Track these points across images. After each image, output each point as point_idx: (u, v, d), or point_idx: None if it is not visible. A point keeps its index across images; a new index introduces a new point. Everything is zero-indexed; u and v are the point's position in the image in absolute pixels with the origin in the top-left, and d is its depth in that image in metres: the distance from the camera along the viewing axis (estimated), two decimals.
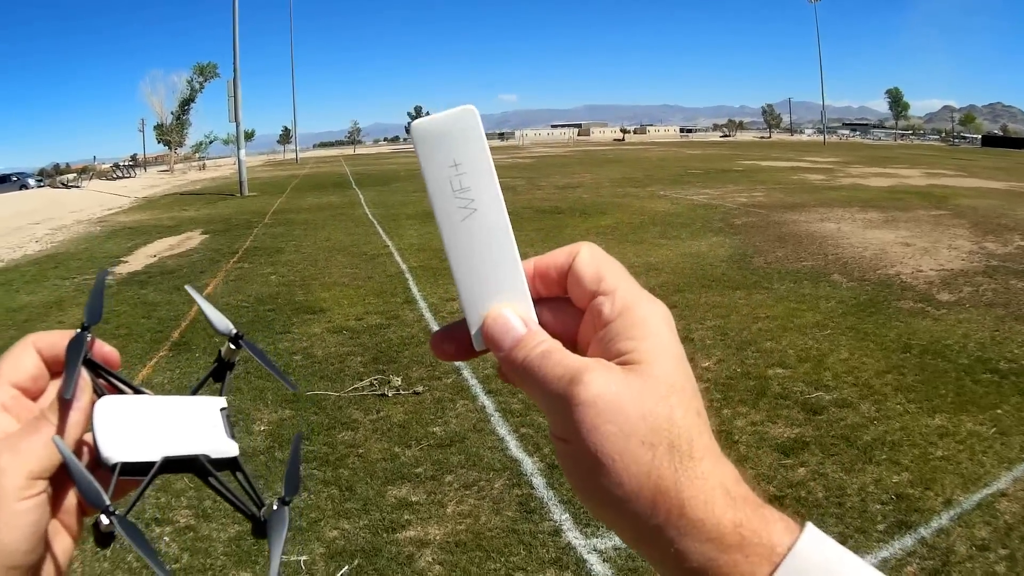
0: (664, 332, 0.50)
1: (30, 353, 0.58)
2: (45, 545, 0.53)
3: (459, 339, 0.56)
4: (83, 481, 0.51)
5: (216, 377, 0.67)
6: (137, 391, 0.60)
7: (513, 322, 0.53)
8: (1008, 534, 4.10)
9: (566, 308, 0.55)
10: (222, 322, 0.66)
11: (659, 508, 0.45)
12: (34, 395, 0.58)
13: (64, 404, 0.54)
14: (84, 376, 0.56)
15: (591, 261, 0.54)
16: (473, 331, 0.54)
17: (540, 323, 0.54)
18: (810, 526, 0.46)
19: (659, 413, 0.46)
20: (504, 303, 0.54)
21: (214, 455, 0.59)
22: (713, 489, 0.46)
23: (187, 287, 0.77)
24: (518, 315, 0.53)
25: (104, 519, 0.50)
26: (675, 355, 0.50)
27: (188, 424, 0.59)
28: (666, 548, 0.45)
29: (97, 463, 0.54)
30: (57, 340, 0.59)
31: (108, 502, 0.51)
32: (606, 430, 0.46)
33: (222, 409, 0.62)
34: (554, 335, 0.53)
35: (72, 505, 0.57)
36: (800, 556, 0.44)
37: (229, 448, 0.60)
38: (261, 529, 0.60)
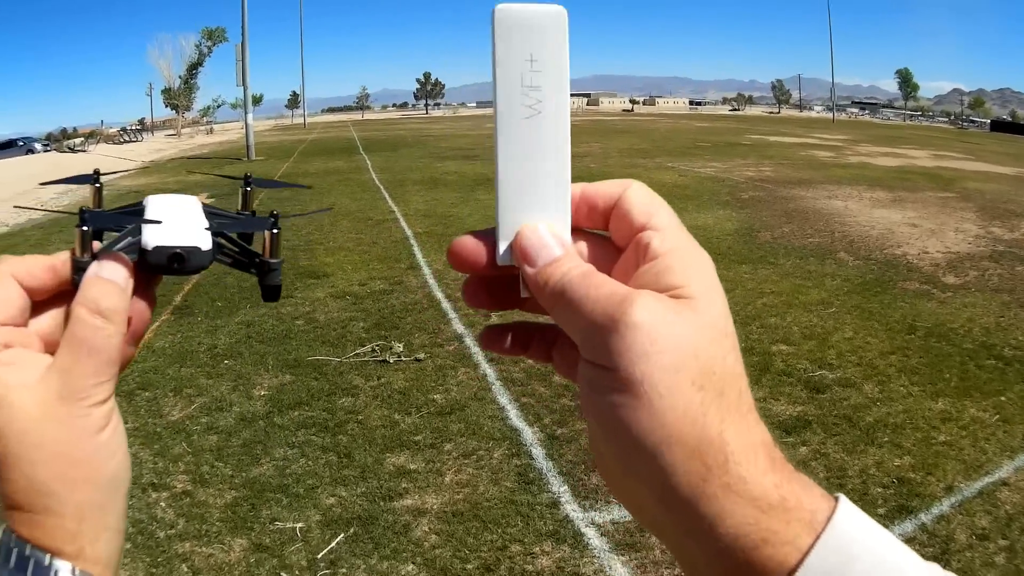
0: (715, 278, 0.46)
1: (11, 285, 0.53)
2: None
3: (481, 245, 0.51)
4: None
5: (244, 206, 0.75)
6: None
7: (549, 240, 0.48)
8: (1008, 524, 4.06)
9: (602, 245, 0.52)
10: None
11: (701, 460, 0.40)
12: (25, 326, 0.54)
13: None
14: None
15: (644, 196, 0.50)
16: (502, 243, 0.50)
17: None
18: (843, 497, 0.42)
19: (713, 354, 0.43)
20: (543, 220, 0.50)
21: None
22: (757, 447, 0.42)
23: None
24: (555, 236, 0.49)
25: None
26: (726, 302, 0.46)
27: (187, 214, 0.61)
28: (695, 508, 0.40)
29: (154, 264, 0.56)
30: (32, 265, 0.55)
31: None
32: (658, 360, 0.41)
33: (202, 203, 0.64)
34: None
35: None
36: (841, 526, 0.40)
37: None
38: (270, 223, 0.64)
